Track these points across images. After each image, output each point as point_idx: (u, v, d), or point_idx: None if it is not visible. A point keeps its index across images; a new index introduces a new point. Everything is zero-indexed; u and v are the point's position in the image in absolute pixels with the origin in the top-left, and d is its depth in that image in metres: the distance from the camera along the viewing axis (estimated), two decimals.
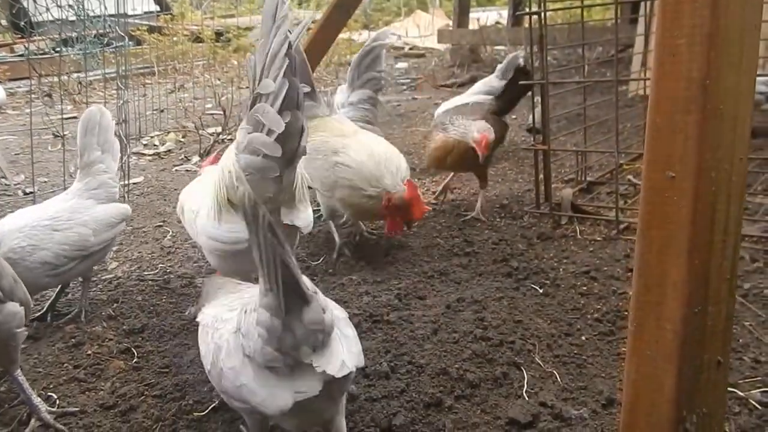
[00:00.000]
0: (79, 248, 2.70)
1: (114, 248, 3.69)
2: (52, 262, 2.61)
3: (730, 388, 2.11)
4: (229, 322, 1.74)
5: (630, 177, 4.40)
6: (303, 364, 1.55)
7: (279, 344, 1.55)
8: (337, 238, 3.52)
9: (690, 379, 1.24)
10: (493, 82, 5.30)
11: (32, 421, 2.11)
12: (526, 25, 3.98)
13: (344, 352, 1.61)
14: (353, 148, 3.25)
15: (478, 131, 3.58)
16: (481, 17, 12.79)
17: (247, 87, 7.64)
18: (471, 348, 2.41)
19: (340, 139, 3.31)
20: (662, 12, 1.24)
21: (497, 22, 12.85)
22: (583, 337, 2.57)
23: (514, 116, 6.70)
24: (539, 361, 2.38)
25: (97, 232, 2.78)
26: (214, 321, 1.82)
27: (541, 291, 2.93)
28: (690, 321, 1.22)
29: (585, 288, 2.94)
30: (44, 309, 2.89)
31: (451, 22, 11.49)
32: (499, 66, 5.44)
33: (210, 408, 2.16)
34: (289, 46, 2.03)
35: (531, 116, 4.64)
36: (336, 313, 1.70)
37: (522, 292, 2.92)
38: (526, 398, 2.18)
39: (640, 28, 6.21)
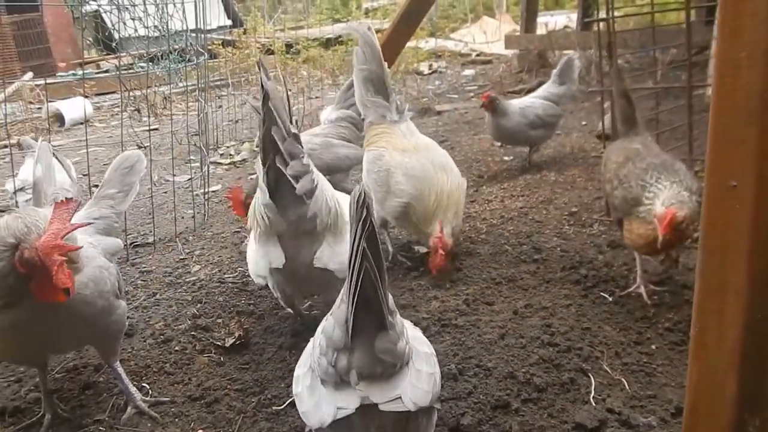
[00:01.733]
0: None
1: (197, 252, 3.94)
2: None
3: None
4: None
5: (703, 185, 4.28)
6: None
7: (333, 359, 1.53)
8: (390, 247, 3.59)
9: (752, 383, 1.26)
10: (551, 88, 5.24)
11: (129, 408, 2.31)
12: (596, 27, 3.93)
13: (407, 388, 1.53)
14: (410, 170, 3.28)
15: (663, 204, 2.60)
16: (549, 22, 12.63)
17: (317, 97, 7.84)
18: (538, 353, 2.45)
19: (398, 157, 3.34)
20: (722, 27, 1.27)
21: (566, 26, 12.66)
22: (653, 346, 2.55)
23: (584, 122, 6.63)
24: (607, 368, 2.39)
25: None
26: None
27: (610, 299, 2.92)
28: (751, 327, 1.24)
29: (656, 297, 2.91)
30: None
31: (518, 28, 11.42)
32: (554, 71, 5.36)
33: (287, 402, 2.31)
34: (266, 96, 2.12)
35: (601, 122, 4.60)
36: (416, 347, 1.65)
37: (591, 300, 2.93)
38: (593, 404, 2.19)
39: (717, 30, 6.01)
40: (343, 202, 2.63)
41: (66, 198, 2.05)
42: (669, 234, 2.51)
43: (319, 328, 1.65)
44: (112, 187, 2.90)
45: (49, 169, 2.71)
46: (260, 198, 2.39)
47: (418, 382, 1.56)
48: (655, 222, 2.57)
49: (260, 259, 2.47)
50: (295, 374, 1.72)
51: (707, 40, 6.48)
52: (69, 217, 1.95)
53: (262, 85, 2.13)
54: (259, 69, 2.15)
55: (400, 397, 1.51)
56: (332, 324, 1.55)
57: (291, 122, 2.23)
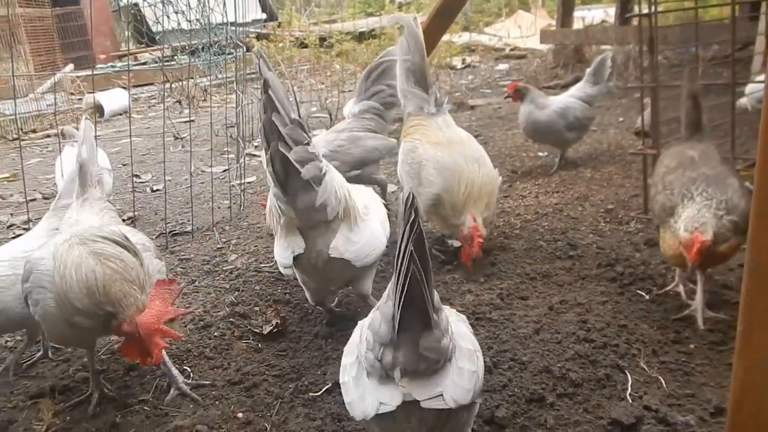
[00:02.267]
0: None
1: (233, 242, 4.02)
2: None
3: None
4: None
5: (747, 184, 4.19)
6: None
7: (380, 354, 1.55)
8: None
9: None
10: (586, 88, 5.12)
11: (172, 390, 2.39)
12: (635, 22, 3.88)
13: (448, 386, 1.54)
14: (442, 163, 3.29)
15: (686, 229, 2.49)
16: (586, 16, 12.46)
17: (350, 90, 7.87)
18: (574, 349, 2.44)
19: (431, 150, 3.34)
20: None
21: (603, 21, 12.47)
22: (692, 345, 2.52)
23: (621, 119, 6.54)
24: (644, 366, 2.38)
25: None
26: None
27: (647, 297, 2.89)
28: None
29: (695, 296, 2.87)
30: None
31: (554, 22, 11.29)
32: (588, 70, 5.23)
33: (324, 389, 2.35)
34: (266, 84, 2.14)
35: (640, 119, 4.53)
36: (460, 343, 1.66)
37: (627, 297, 2.90)
38: (630, 401, 2.18)
39: (761, 26, 5.86)
40: (356, 193, 2.63)
41: (169, 278, 2.13)
42: (698, 261, 2.43)
43: (366, 322, 1.68)
44: (69, 197, 2.86)
45: (93, 148, 2.77)
46: (270, 188, 2.41)
47: (460, 379, 1.57)
48: (681, 247, 2.47)
49: (283, 250, 2.49)
50: (342, 363, 1.76)
51: (751, 36, 6.32)
52: (172, 299, 2.04)
53: (261, 75, 2.16)
54: (258, 59, 2.17)
55: (441, 395, 1.53)
56: (379, 319, 1.58)
57: (294, 112, 2.23)
